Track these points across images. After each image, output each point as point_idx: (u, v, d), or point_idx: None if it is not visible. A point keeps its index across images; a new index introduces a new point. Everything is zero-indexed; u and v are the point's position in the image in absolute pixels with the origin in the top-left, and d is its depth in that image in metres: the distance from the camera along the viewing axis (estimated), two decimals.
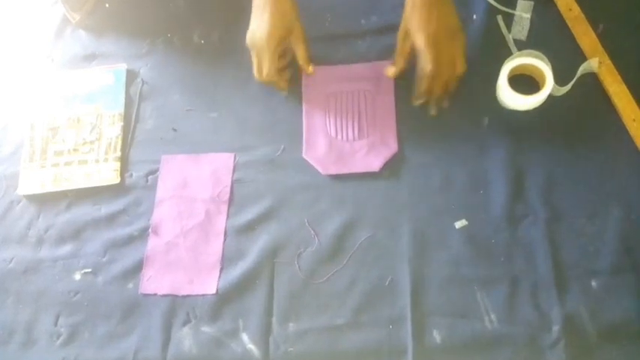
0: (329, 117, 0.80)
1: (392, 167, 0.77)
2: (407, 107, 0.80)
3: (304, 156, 0.78)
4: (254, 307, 0.71)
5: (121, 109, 0.85)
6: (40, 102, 0.87)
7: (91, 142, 0.84)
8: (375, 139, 0.78)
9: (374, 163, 0.77)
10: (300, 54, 0.79)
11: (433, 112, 0.77)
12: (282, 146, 0.80)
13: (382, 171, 0.76)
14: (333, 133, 0.79)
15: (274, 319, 0.71)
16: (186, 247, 0.76)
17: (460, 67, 0.73)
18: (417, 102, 0.77)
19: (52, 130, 0.85)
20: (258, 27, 0.75)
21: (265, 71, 0.76)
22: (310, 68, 0.81)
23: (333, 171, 0.77)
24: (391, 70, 0.79)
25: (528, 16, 0.83)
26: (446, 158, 0.76)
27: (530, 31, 0.82)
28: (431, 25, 0.71)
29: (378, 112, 0.80)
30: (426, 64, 0.71)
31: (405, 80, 0.80)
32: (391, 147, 0.77)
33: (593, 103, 0.77)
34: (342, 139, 0.79)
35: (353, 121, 0.79)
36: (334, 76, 0.83)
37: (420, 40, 0.71)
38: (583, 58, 0.78)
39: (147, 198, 0.79)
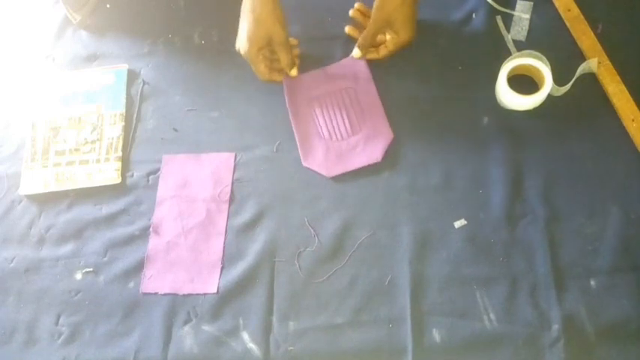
0: (318, 121, 0.80)
1: (391, 165, 0.77)
2: (406, 105, 0.80)
3: (304, 164, 0.78)
4: (254, 306, 0.71)
5: (122, 109, 0.85)
6: (41, 102, 0.87)
7: (92, 142, 0.84)
8: (368, 131, 0.78)
9: (374, 153, 0.77)
10: (282, 58, 0.79)
11: (356, 52, 0.81)
12: (283, 145, 0.80)
13: (384, 160, 0.77)
14: (326, 136, 0.79)
15: (274, 318, 0.71)
16: (187, 247, 0.76)
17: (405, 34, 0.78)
18: (348, 29, 0.83)
19: (54, 130, 0.85)
20: (240, 36, 0.77)
21: (259, 76, 0.79)
22: (293, 71, 0.81)
23: (338, 171, 0.77)
24: (357, 53, 0.81)
25: (527, 16, 0.83)
26: (445, 158, 0.77)
27: (529, 31, 0.82)
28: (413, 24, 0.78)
29: (364, 105, 0.80)
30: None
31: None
32: (386, 135, 0.78)
33: (592, 103, 0.77)
34: (337, 138, 0.79)
35: (342, 120, 0.80)
36: (312, 81, 0.83)
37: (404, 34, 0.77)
38: (582, 59, 0.79)
39: (148, 197, 0.80)
